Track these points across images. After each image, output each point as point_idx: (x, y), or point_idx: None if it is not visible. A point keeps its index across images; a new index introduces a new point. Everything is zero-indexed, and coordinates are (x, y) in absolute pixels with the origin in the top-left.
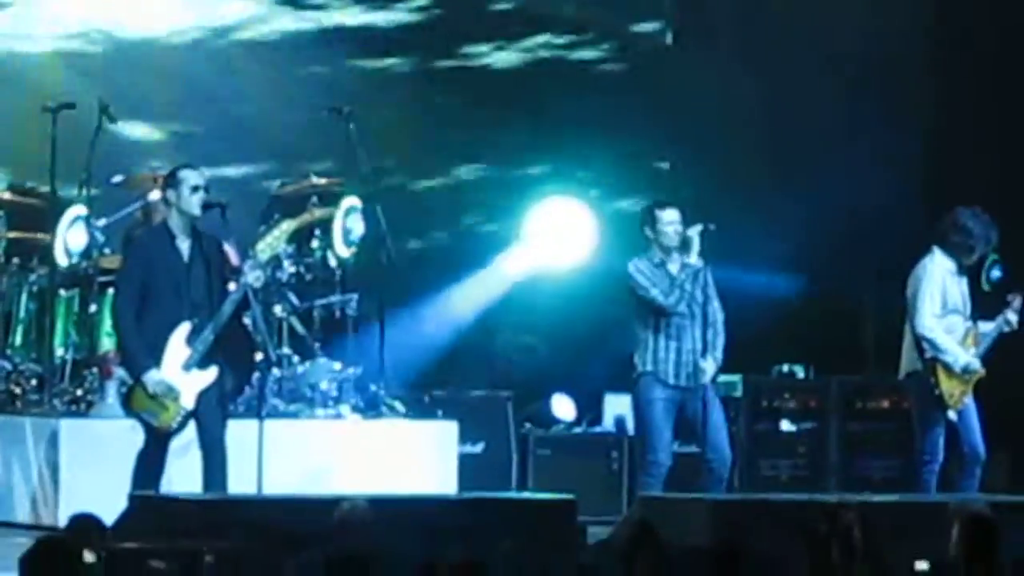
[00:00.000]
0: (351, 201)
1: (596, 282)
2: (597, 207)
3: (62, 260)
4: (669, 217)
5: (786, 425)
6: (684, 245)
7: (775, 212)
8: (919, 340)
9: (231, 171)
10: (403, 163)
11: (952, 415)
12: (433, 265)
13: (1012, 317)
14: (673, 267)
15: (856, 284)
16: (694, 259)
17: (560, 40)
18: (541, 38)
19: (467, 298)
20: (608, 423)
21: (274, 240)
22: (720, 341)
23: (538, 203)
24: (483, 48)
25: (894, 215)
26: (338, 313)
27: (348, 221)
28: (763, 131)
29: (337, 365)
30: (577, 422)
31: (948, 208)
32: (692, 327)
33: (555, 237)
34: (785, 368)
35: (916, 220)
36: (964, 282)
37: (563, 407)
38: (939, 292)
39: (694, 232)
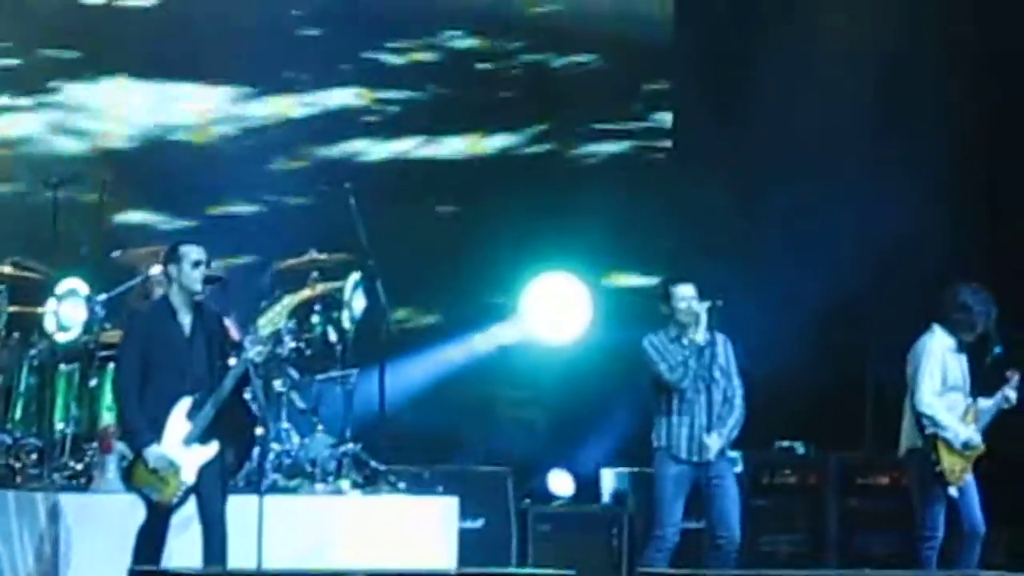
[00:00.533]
0: (356, 276)
1: (593, 357)
2: (593, 282)
3: (55, 333)
4: (683, 292)
5: (786, 501)
6: (694, 322)
7: (788, 287)
8: (919, 417)
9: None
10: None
11: (953, 491)
12: (431, 339)
13: (1011, 394)
14: (692, 342)
15: (856, 361)
16: (700, 336)
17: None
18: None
19: (460, 357)
20: (607, 498)
21: (275, 315)
22: (733, 417)
23: (534, 278)
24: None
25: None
26: (338, 388)
27: (353, 296)
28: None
29: (336, 440)
30: (575, 497)
31: (944, 284)
32: (700, 403)
33: (551, 311)
34: (785, 444)
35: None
36: (964, 359)
37: (561, 483)
38: (939, 369)
39: (701, 309)
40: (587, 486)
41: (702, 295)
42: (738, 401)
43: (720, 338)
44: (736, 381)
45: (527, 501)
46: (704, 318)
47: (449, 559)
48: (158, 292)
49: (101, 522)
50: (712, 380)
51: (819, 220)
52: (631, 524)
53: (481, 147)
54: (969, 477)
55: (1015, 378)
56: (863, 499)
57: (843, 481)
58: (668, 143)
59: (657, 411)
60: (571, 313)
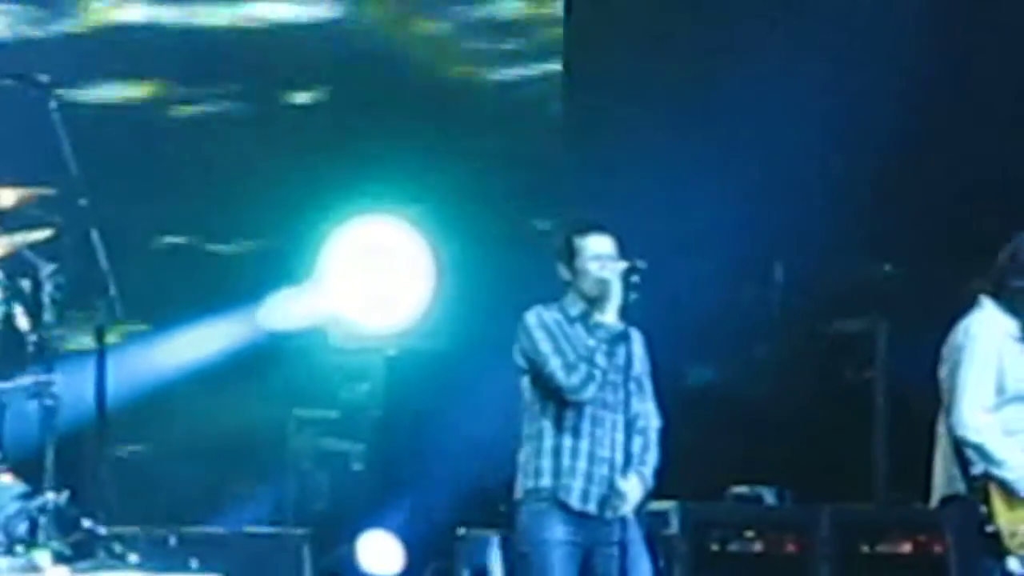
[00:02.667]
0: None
1: (439, 354)
2: (437, 231)
3: None
4: (597, 247)
5: None
6: (602, 293)
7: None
8: (962, 446)
9: None
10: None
11: (1015, 565)
12: (179, 321)
13: None
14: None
15: (855, 358)
16: (612, 317)
17: None
18: None
19: (222, 350)
20: None
21: None
22: (651, 456)
23: (340, 225)
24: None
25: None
26: (33, 403)
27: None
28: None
29: (29, 487)
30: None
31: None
32: (612, 425)
33: (370, 279)
34: (745, 490)
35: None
36: None
37: (381, 553)
38: (993, 370)
39: (612, 274)
40: (428, 558)
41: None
42: (653, 435)
43: (634, 333)
44: (652, 403)
45: None
46: (617, 288)
47: None
48: None
49: None
50: (628, 391)
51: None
52: None
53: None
54: None
55: None
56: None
57: (841, 547)
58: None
59: (534, 433)
60: (402, 282)
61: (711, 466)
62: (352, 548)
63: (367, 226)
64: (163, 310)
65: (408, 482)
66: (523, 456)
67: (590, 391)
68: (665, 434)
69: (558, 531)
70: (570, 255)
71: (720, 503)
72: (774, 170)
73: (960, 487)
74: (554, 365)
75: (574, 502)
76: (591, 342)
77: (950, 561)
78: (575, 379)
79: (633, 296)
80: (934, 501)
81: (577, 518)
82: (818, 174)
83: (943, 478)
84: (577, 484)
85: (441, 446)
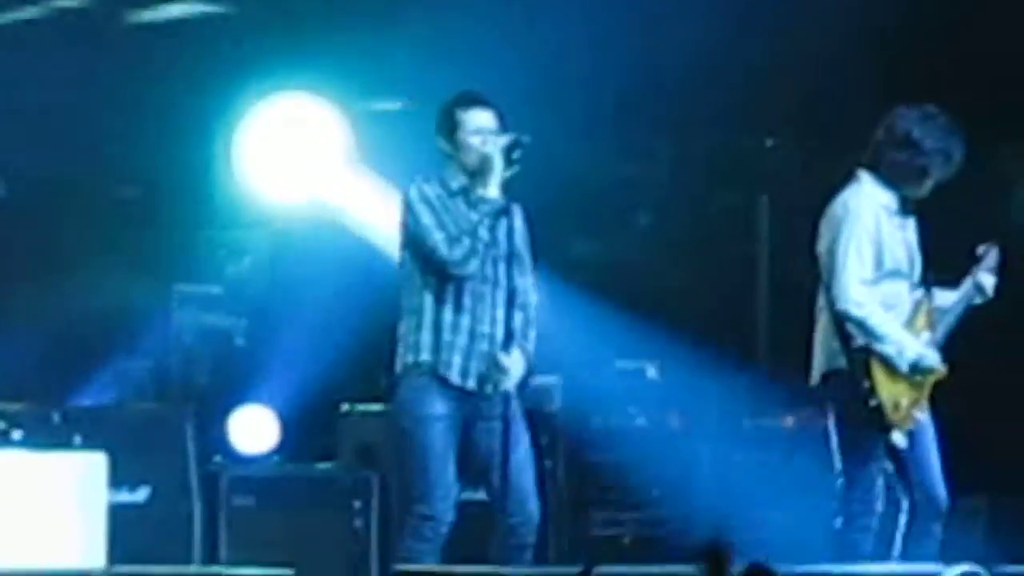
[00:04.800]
0: None
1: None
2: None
3: None
4: (478, 120)
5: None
6: (483, 167)
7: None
8: (842, 320)
9: None
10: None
11: (898, 438)
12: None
13: (985, 280)
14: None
15: (733, 223)
16: (493, 191)
17: None
18: None
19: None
20: (346, 453)
21: None
22: (532, 331)
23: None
24: None
25: None
26: None
27: None
28: None
29: None
30: (283, 451)
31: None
32: (492, 300)
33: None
34: (629, 365)
35: None
36: (911, 227)
37: (254, 426)
38: (871, 243)
39: (494, 148)
40: (306, 433)
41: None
42: (532, 311)
43: (515, 207)
44: (532, 278)
45: (217, 458)
46: (499, 161)
47: (94, 552)
48: None
49: None
50: (510, 264)
51: None
52: (383, 495)
53: None
54: (924, 417)
55: (990, 255)
56: (756, 452)
57: (724, 422)
58: None
59: (414, 307)
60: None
61: (593, 340)
62: (224, 423)
63: (287, 101)
64: None
65: (290, 357)
66: (403, 329)
67: (472, 265)
68: (545, 309)
69: (438, 406)
70: (451, 128)
71: (603, 378)
72: (655, 48)
73: (841, 362)
74: (436, 239)
75: (454, 377)
76: (473, 216)
77: (833, 434)
78: (457, 253)
79: (514, 170)
80: (815, 376)
81: (457, 393)
82: (702, 53)
83: (824, 353)
84: (457, 359)
85: (321, 321)
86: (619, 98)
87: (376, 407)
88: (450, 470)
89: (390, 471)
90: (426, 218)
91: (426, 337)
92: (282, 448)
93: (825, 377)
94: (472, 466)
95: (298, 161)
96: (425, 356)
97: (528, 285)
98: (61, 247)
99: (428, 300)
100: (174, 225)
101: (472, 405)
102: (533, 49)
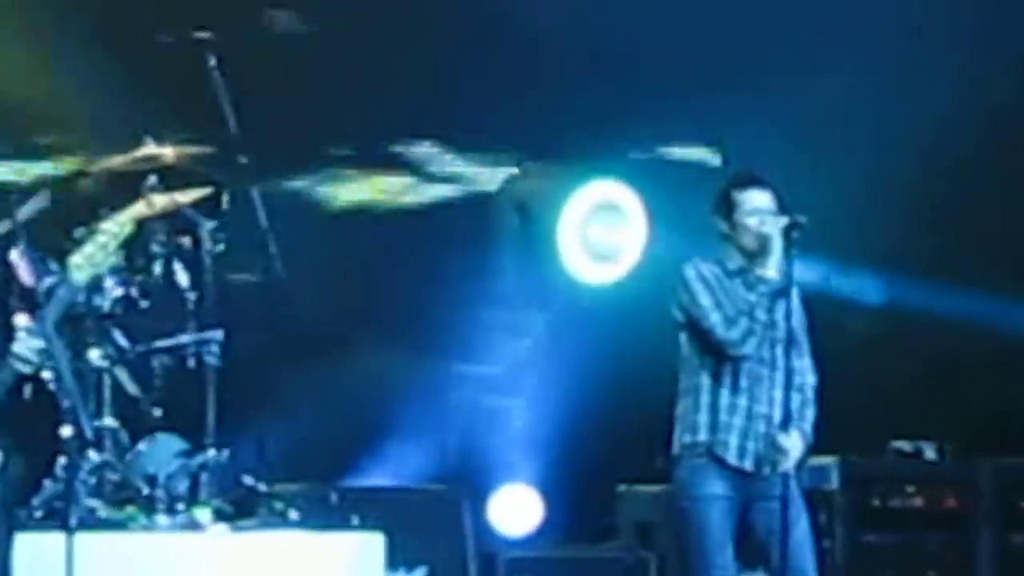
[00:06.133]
0: (206, 188)
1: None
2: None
3: None
4: (755, 201)
5: (910, 536)
6: (763, 249)
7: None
8: None
9: None
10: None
11: None
12: (346, 285)
13: None
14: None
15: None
16: (772, 272)
17: None
18: None
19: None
20: (626, 533)
21: (96, 249)
22: (810, 412)
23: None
24: None
25: None
26: (192, 362)
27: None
28: None
29: (189, 444)
30: (544, 531)
31: None
32: (770, 382)
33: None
34: (907, 447)
35: None
36: None
37: (514, 508)
38: None
39: (772, 229)
40: (577, 513)
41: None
42: (810, 392)
43: (794, 288)
44: (809, 360)
45: (496, 535)
46: (778, 243)
47: None
48: None
49: None
50: (788, 346)
51: None
52: (661, 575)
53: None
54: None
55: None
56: None
57: (1002, 505)
58: None
59: (691, 387)
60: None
61: (871, 421)
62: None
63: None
64: None
65: (565, 438)
66: (680, 409)
67: (750, 346)
68: (822, 390)
69: (715, 486)
70: (728, 209)
71: (880, 459)
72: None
73: None
74: (714, 319)
75: (731, 458)
76: (752, 297)
77: None
78: (735, 333)
79: (793, 252)
80: None
81: (734, 473)
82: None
83: None
84: (734, 440)
85: (599, 401)
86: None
87: (654, 488)
88: (728, 550)
89: (668, 552)
90: (704, 298)
91: (703, 418)
92: (544, 529)
93: None
94: (751, 547)
95: (609, 244)
96: (702, 436)
97: (805, 366)
98: (340, 327)
99: (705, 381)
100: (453, 305)
101: (750, 486)
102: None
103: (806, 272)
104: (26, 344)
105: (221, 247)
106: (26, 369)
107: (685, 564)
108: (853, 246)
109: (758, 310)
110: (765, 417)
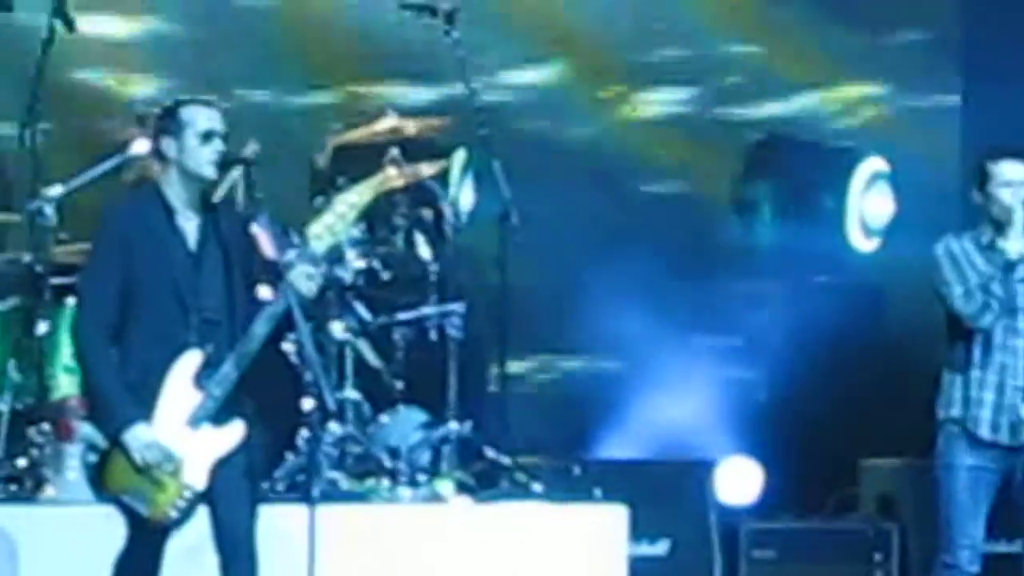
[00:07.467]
0: (461, 154)
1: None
2: None
3: None
4: (1010, 173)
5: None
6: (1008, 221)
7: None
8: None
9: (256, 95)
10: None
11: None
12: (588, 254)
13: None
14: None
15: None
16: (1015, 245)
17: None
18: None
19: None
20: (868, 505)
21: (336, 220)
22: None
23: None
24: None
25: None
26: (434, 334)
27: (460, 186)
28: None
29: (431, 417)
30: (763, 503)
31: None
32: (1017, 352)
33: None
34: None
35: None
36: None
37: (737, 479)
38: None
39: (1016, 201)
40: (828, 487)
41: None
42: None
43: None
44: None
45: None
46: (1020, 217)
47: None
48: (146, 179)
49: (59, 548)
50: None
51: None
52: (903, 548)
53: None
54: None
55: None
56: None
57: None
58: None
59: (950, 362)
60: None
61: None
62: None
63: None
64: None
65: (805, 410)
66: (943, 382)
67: (987, 319)
68: None
69: (967, 457)
70: (982, 180)
71: None
72: None
73: None
74: (955, 293)
75: (984, 433)
76: (988, 269)
77: None
78: (972, 307)
79: None
80: None
81: (988, 447)
82: None
83: None
84: (985, 415)
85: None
86: None
87: (897, 460)
88: (977, 521)
89: (910, 524)
90: (948, 272)
91: (957, 393)
92: (765, 500)
93: None
94: (1012, 519)
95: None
96: (955, 412)
97: None
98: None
99: (960, 355)
100: (691, 274)
101: (1006, 458)
102: None
103: None
104: (299, 276)
105: (463, 223)
106: (307, 288)
107: (936, 533)
108: None
109: (993, 283)
110: (1021, 390)
